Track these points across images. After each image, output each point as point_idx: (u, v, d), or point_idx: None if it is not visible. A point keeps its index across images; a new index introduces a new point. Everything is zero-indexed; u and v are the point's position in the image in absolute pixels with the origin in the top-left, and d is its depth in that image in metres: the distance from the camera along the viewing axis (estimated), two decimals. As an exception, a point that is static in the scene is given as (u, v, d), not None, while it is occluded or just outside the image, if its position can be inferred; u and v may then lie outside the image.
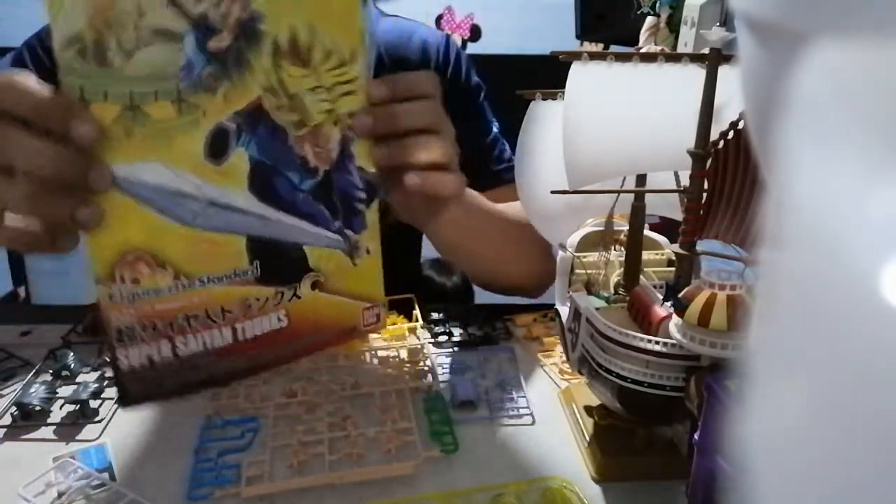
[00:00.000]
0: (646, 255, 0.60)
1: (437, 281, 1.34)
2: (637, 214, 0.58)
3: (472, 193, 0.73)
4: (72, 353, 0.69)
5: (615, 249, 0.62)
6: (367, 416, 0.61)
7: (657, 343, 0.49)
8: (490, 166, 0.91)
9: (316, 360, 0.69)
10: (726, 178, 0.48)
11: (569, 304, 0.59)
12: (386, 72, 0.91)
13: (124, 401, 0.58)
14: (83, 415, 0.61)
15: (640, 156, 0.53)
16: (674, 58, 0.51)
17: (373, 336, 0.73)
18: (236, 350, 0.57)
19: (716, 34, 0.47)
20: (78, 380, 0.65)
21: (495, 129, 0.94)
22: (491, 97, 0.97)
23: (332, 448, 0.56)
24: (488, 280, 0.86)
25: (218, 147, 0.51)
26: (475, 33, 2.02)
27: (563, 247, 0.62)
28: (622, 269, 0.60)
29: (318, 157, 0.56)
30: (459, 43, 2.03)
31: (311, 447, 0.57)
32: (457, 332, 0.76)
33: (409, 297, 0.78)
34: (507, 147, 0.93)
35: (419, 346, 0.72)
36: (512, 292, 0.86)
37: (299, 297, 0.59)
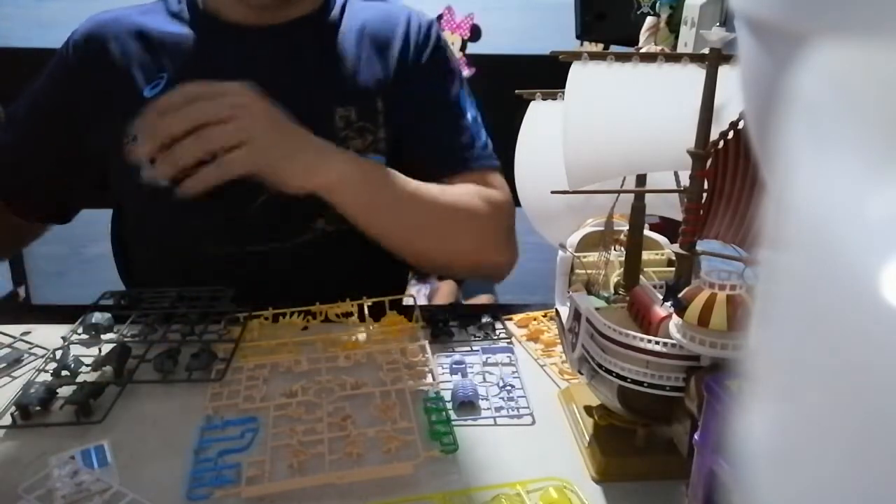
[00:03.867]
0: (646, 255, 0.60)
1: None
2: (637, 214, 0.58)
3: (384, 173, 0.77)
4: (72, 354, 0.69)
5: (615, 249, 0.62)
6: (368, 415, 0.61)
7: (657, 343, 0.49)
8: (458, 153, 0.89)
9: (316, 360, 0.69)
10: (726, 178, 0.48)
11: (569, 304, 0.59)
12: (364, 49, 0.88)
13: None
14: (83, 415, 0.61)
15: (640, 156, 0.53)
16: (674, 58, 0.51)
17: (374, 336, 0.74)
18: None
19: (716, 34, 0.47)
20: (78, 380, 0.65)
21: (469, 117, 0.91)
22: (491, 97, 0.96)
23: (331, 448, 0.56)
24: (412, 256, 0.84)
25: None
26: (475, 33, 2.02)
27: (563, 247, 0.62)
28: (622, 269, 0.60)
29: None
30: (459, 43, 2.03)
31: (310, 447, 0.57)
32: (457, 332, 0.76)
33: (410, 296, 0.78)
34: (481, 135, 0.91)
35: (419, 347, 0.72)
36: (445, 272, 0.86)
37: None
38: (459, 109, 0.92)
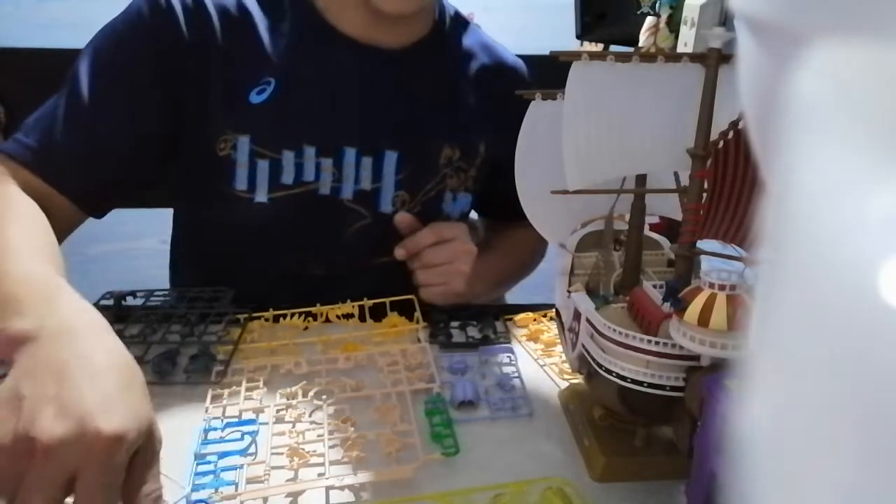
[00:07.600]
0: (646, 255, 0.60)
1: None
2: (637, 214, 0.58)
3: (493, 263, 0.93)
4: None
5: (615, 249, 0.62)
6: (368, 418, 0.61)
7: (657, 343, 0.49)
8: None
9: (316, 361, 0.69)
10: (726, 178, 0.48)
11: (569, 304, 0.59)
12: (476, 89, 0.89)
13: None
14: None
15: (640, 156, 0.53)
16: (674, 58, 0.51)
17: (374, 337, 0.73)
18: None
19: (716, 34, 0.47)
20: (78, 380, 0.65)
21: None
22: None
23: (331, 451, 0.56)
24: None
25: None
26: (475, 33, 2.02)
27: (563, 247, 0.62)
28: (622, 269, 0.60)
29: None
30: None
31: (310, 449, 0.56)
32: (457, 332, 0.76)
33: (410, 298, 0.78)
34: None
35: (420, 348, 0.72)
36: None
37: None
38: None
